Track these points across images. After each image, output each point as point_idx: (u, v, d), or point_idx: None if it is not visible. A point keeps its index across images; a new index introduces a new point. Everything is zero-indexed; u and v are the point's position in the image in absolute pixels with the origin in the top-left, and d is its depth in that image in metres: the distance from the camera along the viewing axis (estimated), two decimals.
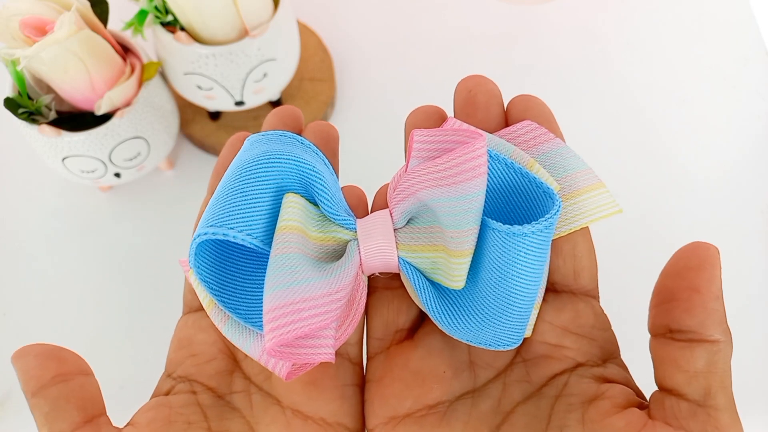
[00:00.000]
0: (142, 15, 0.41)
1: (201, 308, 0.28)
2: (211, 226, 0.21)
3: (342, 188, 0.25)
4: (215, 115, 0.49)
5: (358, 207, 0.26)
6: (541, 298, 0.25)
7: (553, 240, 0.24)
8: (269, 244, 0.22)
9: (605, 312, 0.26)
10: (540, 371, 0.24)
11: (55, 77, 0.39)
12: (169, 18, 0.41)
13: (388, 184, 0.24)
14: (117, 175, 0.43)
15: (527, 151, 0.24)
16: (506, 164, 0.23)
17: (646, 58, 0.54)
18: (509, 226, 0.21)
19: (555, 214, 0.21)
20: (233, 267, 0.23)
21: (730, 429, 0.21)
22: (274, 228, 0.22)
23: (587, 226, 0.26)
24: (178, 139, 0.48)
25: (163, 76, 0.45)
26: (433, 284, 0.23)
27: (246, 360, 0.27)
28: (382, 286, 0.26)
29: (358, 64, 0.54)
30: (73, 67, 0.38)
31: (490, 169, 0.22)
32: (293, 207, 0.22)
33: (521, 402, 0.24)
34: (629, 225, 0.47)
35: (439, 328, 0.23)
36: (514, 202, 0.23)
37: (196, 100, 0.45)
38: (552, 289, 0.25)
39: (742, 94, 0.53)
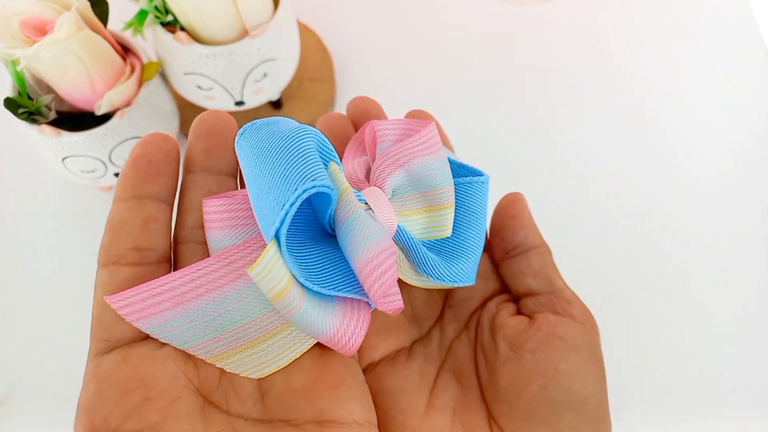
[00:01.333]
0: (142, 15, 0.41)
1: (136, 340, 0.23)
2: (308, 180, 0.20)
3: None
4: None
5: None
6: None
7: None
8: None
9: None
10: (462, 311, 0.31)
11: (55, 77, 0.39)
12: (169, 18, 0.41)
13: (359, 98, 0.31)
14: (117, 175, 0.43)
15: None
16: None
17: (646, 58, 0.54)
18: (471, 177, 0.28)
19: (487, 178, 0.29)
20: (305, 242, 0.23)
21: (573, 299, 0.29)
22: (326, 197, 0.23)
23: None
24: (177, 139, 0.48)
25: (163, 76, 0.45)
26: (418, 244, 0.27)
27: (218, 391, 0.23)
28: None
29: (358, 64, 0.54)
30: (73, 67, 0.38)
31: None
32: (341, 172, 0.23)
33: (456, 337, 0.31)
34: (629, 225, 0.47)
35: (416, 284, 0.28)
36: (455, 175, 0.29)
37: (196, 100, 0.45)
38: None
39: (742, 93, 0.53)
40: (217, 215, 0.24)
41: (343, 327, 0.22)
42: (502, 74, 0.54)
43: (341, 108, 0.52)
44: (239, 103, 0.45)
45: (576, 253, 0.46)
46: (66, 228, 0.47)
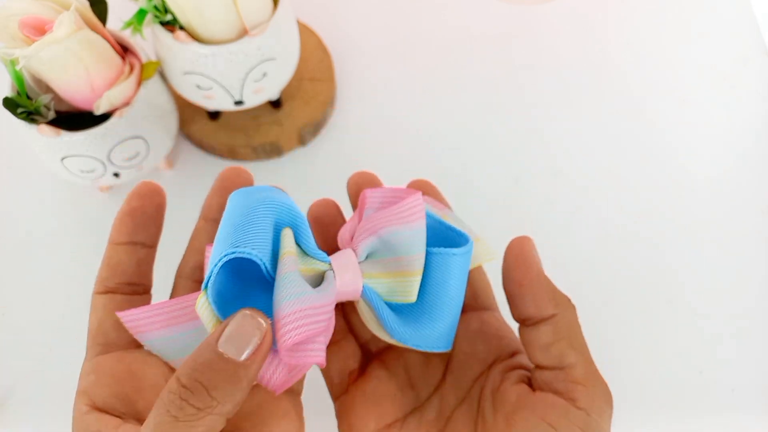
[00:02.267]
0: (141, 14, 0.41)
1: (130, 347, 0.29)
2: (237, 247, 0.25)
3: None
4: (215, 115, 0.49)
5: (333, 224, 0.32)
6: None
7: None
8: (274, 271, 0.26)
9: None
10: (465, 377, 0.30)
11: (54, 77, 0.39)
12: (169, 17, 0.41)
13: (359, 174, 0.33)
14: (116, 174, 0.43)
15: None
16: (430, 215, 0.30)
17: (646, 58, 0.54)
18: (445, 249, 0.28)
19: (471, 245, 0.29)
20: (238, 292, 0.27)
21: (585, 379, 0.26)
22: (276, 258, 0.27)
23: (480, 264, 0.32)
24: (177, 138, 0.48)
25: (163, 76, 0.45)
26: (388, 305, 0.29)
27: None
28: (329, 342, 0.30)
29: (358, 64, 0.54)
30: (72, 67, 0.38)
31: None
32: (289, 238, 0.27)
33: (457, 406, 0.29)
34: (629, 225, 0.47)
35: (392, 341, 0.29)
36: (440, 240, 0.30)
37: (195, 100, 0.45)
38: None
39: (742, 93, 0.53)
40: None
41: (264, 367, 0.25)
42: (502, 74, 0.54)
43: (340, 108, 0.52)
44: (238, 103, 0.45)
45: (576, 253, 0.46)
46: (65, 228, 0.47)
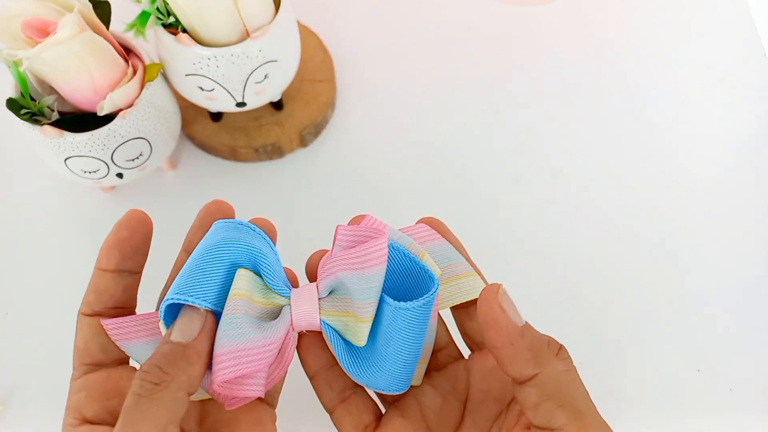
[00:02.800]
0: (143, 16, 0.42)
1: (116, 365, 0.31)
2: (177, 293, 0.28)
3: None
4: (217, 116, 0.50)
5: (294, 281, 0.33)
6: (429, 354, 0.32)
7: (466, 307, 0.32)
8: (221, 307, 0.29)
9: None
10: (483, 417, 0.30)
11: (57, 78, 0.39)
12: (171, 19, 0.42)
13: (319, 252, 0.32)
14: (119, 175, 0.44)
15: (421, 244, 0.32)
16: (403, 253, 0.30)
17: (646, 58, 0.55)
18: (397, 302, 0.28)
19: (433, 294, 0.28)
20: None
21: None
22: (226, 296, 0.29)
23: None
24: (179, 139, 0.48)
25: (165, 78, 0.45)
26: (345, 341, 0.30)
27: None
28: (338, 400, 0.32)
29: (359, 64, 0.54)
30: (75, 69, 0.38)
31: (390, 256, 0.29)
32: (243, 279, 0.29)
33: None
34: (629, 225, 0.47)
35: (350, 376, 0.30)
36: (407, 281, 0.30)
37: (197, 101, 0.46)
38: (472, 347, 0.32)
39: (741, 94, 0.53)
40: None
41: (212, 387, 0.29)
42: (502, 74, 0.54)
43: (341, 108, 0.52)
44: (240, 104, 0.45)
45: (576, 252, 0.46)
46: (68, 228, 0.48)
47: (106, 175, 0.43)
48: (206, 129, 0.49)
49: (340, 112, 0.52)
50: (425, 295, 0.28)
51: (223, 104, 0.45)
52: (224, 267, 0.29)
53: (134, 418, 0.25)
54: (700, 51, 0.55)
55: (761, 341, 0.43)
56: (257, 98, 0.45)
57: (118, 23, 0.43)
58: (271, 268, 0.30)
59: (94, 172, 0.42)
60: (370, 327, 0.29)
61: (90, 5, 0.39)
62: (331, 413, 0.32)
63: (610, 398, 0.42)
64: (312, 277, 0.32)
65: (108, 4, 0.41)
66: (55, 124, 0.41)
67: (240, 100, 0.45)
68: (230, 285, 0.29)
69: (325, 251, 0.32)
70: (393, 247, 0.30)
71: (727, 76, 0.54)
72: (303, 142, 0.50)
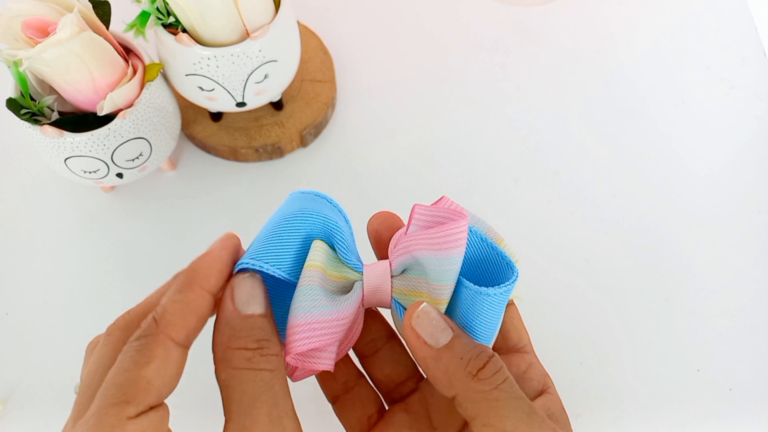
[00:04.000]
0: (144, 16, 0.42)
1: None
2: (252, 258, 0.27)
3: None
4: (217, 116, 0.50)
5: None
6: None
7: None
8: (294, 277, 0.28)
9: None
10: None
11: (58, 78, 0.39)
12: (171, 20, 0.42)
13: (378, 214, 0.32)
14: (119, 175, 0.44)
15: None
16: (481, 238, 0.29)
17: (646, 58, 0.55)
18: (478, 286, 0.27)
19: (513, 282, 0.28)
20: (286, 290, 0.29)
21: None
22: (300, 266, 0.28)
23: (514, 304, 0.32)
24: (179, 139, 0.49)
25: (165, 78, 0.45)
26: None
27: None
28: (342, 390, 0.32)
29: (359, 65, 0.54)
30: (76, 69, 0.38)
31: (469, 240, 0.29)
32: (318, 251, 0.28)
33: None
34: (628, 224, 0.47)
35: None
36: (483, 267, 0.29)
37: (197, 101, 0.46)
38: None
39: (740, 94, 0.53)
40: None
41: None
42: (502, 74, 0.54)
43: (341, 108, 0.52)
44: (240, 104, 0.45)
45: (575, 252, 0.46)
46: (68, 228, 0.48)
47: (106, 175, 0.43)
48: (206, 129, 0.49)
49: (340, 112, 0.52)
50: (506, 283, 0.28)
51: (223, 104, 0.45)
52: (300, 237, 0.28)
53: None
54: (700, 51, 0.55)
55: (761, 341, 0.43)
56: (257, 98, 0.45)
57: (118, 23, 0.43)
58: (345, 242, 0.29)
59: (94, 172, 0.43)
60: (444, 310, 0.28)
61: (90, 5, 0.39)
62: (333, 403, 0.32)
63: (609, 398, 0.42)
64: (374, 236, 0.32)
65: (108, 4, 0.41)
66: (55, 124, 0.41)
67: (240, 100, 0.45)
68: (304, 255, 0.28)
69: (386, 212, 0.32)
70: (472, 232, 0.29)
71: (727, 76, 0.54)
72: (303, 142, 0.50)
